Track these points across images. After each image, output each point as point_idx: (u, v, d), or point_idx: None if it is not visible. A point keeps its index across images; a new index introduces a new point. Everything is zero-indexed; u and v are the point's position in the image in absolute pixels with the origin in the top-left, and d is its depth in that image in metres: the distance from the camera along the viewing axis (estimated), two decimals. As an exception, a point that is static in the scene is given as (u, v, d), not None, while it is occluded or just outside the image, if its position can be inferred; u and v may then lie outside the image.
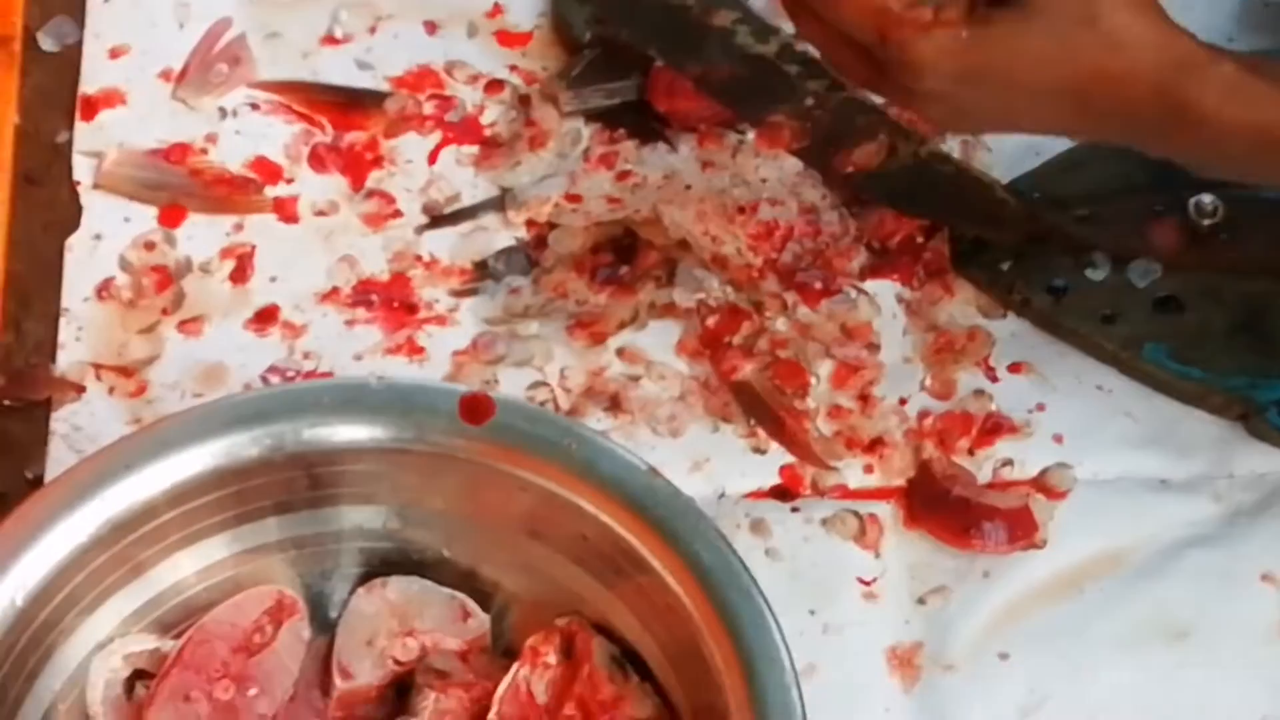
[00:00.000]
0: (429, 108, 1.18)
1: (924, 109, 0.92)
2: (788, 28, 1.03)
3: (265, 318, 1.10)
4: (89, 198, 1.13)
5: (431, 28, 1.21)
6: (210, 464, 0.92)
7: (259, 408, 0.94)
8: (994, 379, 1.10)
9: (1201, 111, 0.88)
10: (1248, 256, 1.11)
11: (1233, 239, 1.11)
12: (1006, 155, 1.16)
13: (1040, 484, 1.06)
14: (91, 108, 1.16)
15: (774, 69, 1.02)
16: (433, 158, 1.16)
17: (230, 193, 1.14)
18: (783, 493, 1.06)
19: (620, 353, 1.10)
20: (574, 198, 1.14)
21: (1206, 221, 1.10)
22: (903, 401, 1.09)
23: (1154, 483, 1.07)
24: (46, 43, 1.18)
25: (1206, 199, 1.10)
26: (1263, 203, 1.12)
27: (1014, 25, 0.88)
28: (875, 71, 0.90)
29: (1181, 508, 1.06)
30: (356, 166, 1.15)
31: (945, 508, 1.05)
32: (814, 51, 1.01)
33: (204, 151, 1.15)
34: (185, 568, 0.95)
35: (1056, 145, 1.15)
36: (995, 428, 1.08)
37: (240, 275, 1.11)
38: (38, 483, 1.03)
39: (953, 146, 1.16)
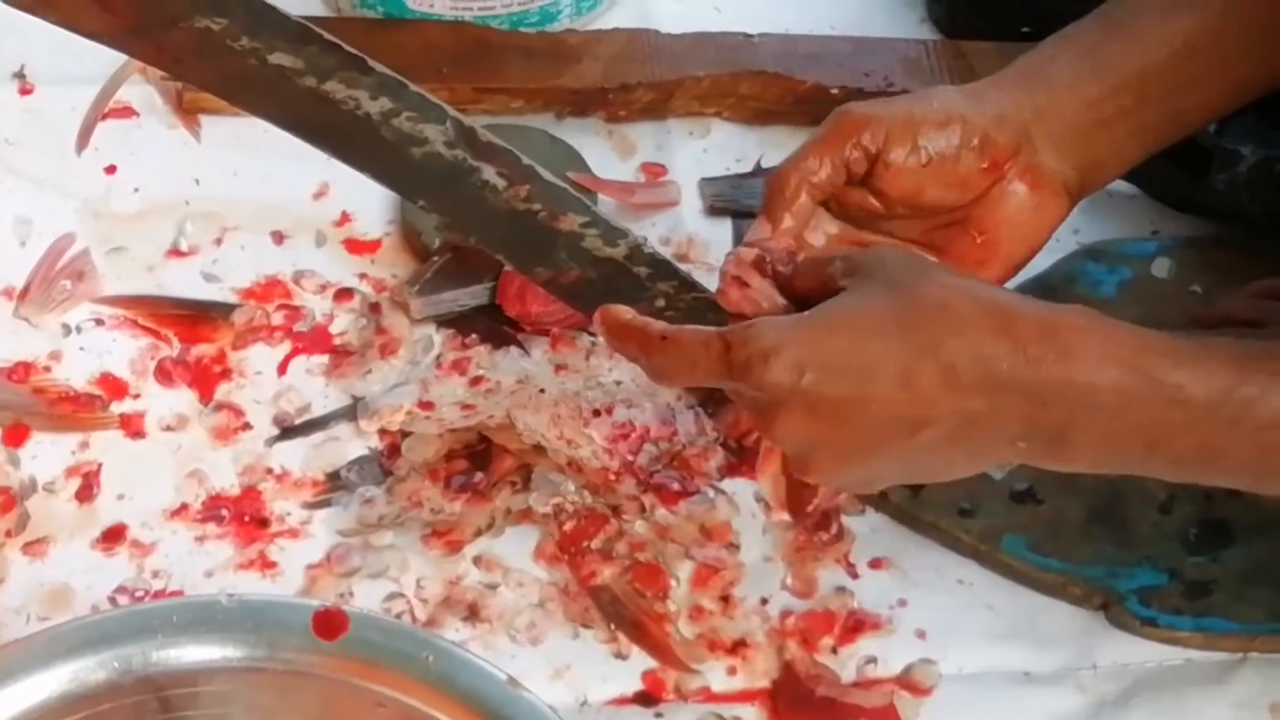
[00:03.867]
0: (278, 318, 1.17)
1: (787, 426, 0.90)
2: (636, 230, 1.03)
3: (112, 537, 1.07)
4: (-71, 420, 1.11)
5: (279, 238, 1.21)
6: (55, 690, 0.90)
7: (105, 630, 0.91)
8: (855, 575, 1.09)
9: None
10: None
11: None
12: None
13: (905, 681, 1.05)
14: (-69, 330, 1.14)
15: (624, 271, 1.02)
16: (282, 368, 1.15)
17: (75, 410, 1.12)
18: (646, 698, 1.04)
19: (477, 561, 1.08)
20: (427, 405, 1.13)
21: (1059, 411, 1.11)
22: (764, 601, 1.08)
23: (1018, 675, 1.06)
24: (-115, 265, 1.16)
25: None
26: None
27: (840, 300, 0.89)
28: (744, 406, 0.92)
29: (1047, 701, 1.05)
30: (204, 380, 1.14)
31: (811, 708, 1.03)
32: (663, 253, 1.02)
33: (47, 369, 1.13)
34: (31, 800, 0.92)
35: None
36: (858, 625, 1.07)
37: (86, 494, 1.09)
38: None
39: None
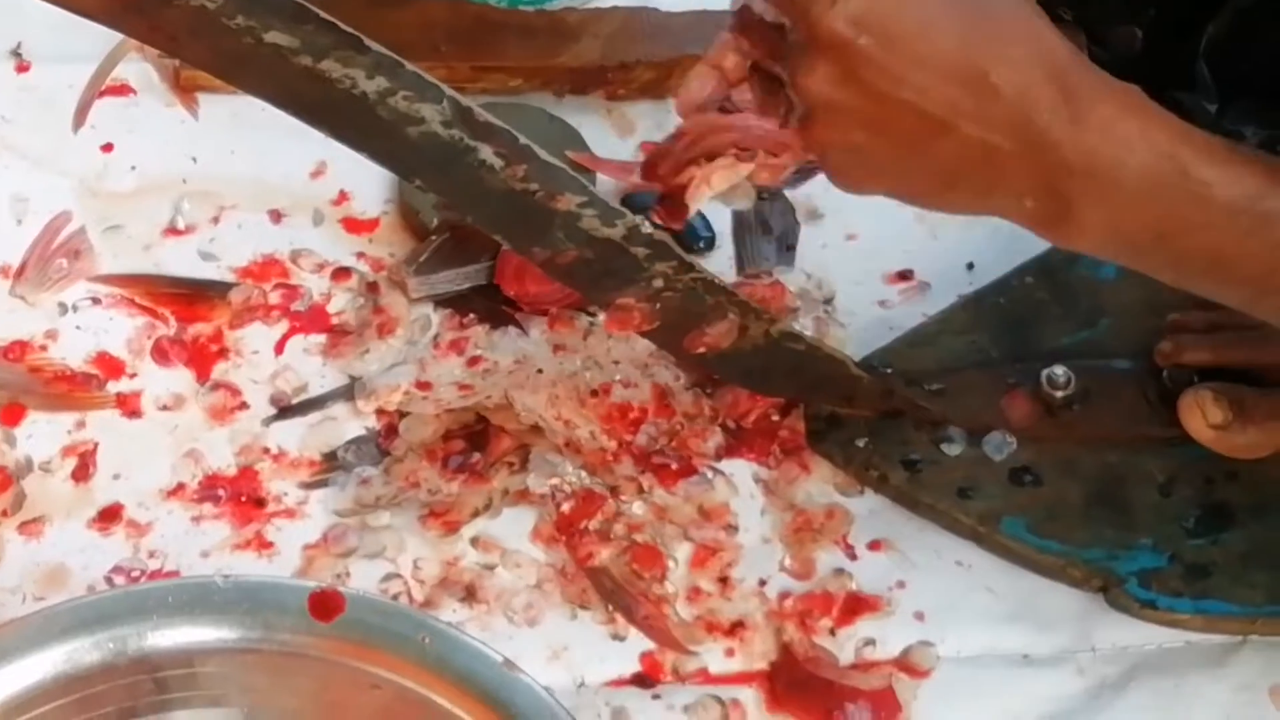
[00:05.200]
0: (275, 297, 1.16)
1: (821, 78, 0.88)
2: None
3: (109, 517, 1.07)
4: (-75, 398, 1.11)
5: (276, 216, 1.20)
6: (51, 671, 0.90)
7: (100, 611, 0.92)
8: (853, 557, 1.09)
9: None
10: (1101, 428, 1.11)
11: (1085, 410, 1.11)
12: (859, 331, 1.17)
13: (903, 663, 1.05)
14: (-74, 308, 1.14)
15: (621, 251, 1.01)
16: (279, 348, 1.15)
17: (71, 389, 1.12)
18: (644, 680, 1.04)
19: (474, 542, 1.08)
20: (424, 385, 1.12)
21: (1059, 393, 1.11)
22: (762, 583, 1.08)
23: (1017, 658, 1.06)
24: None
25: (1058, 371, 1.11)
26: (1114, 373, 1.13)
27: None
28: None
29: (1045, 683, 1.05)
30: (201, 359, 1.14)
31: (808, 691, 1.03)
32: (661, 233, 1.02)
33: (44, 348, 1.13)
34: (25, 781, 0.92)
35: (909, 321, 1.16)
36: (856, 607, 1.07)
37: (82, 474, 1.09)
38: None
39: (805, 325, 1.16)
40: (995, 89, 0.86)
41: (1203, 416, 1.08)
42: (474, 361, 1.14)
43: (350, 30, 0.93)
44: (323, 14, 0.92)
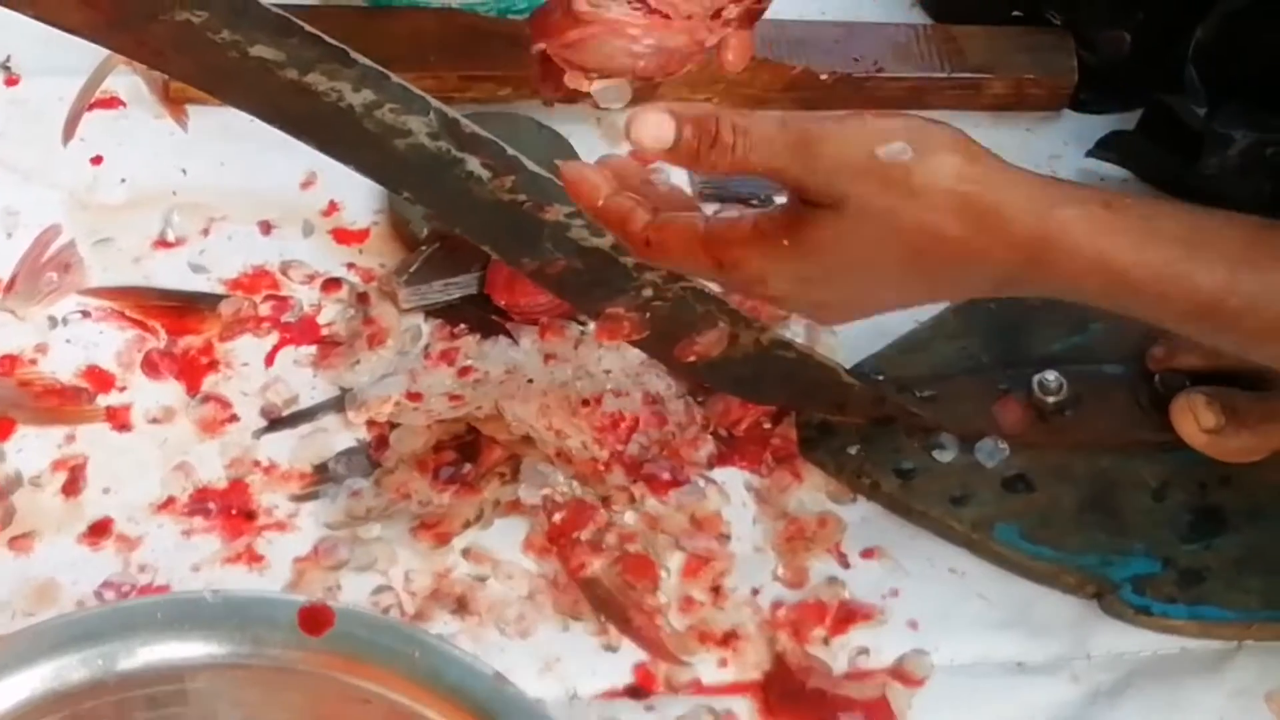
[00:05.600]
0: (265, 309, 1.16)
1: (787, 307, 0.98)
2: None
3: (99, 531, 1.07)
4: (-86, 413, 1.10)
5: (266, 228, 1.20)
6: (39, 688, 0.89)
7: (89, 627, 0.91)
8: (846, 565, 1.09)
9: (1061, 249, 0.88)
10: (1093, 433, 1.11)
11: (1078, 416, 1.11)
12: (850, 338, 1.16)
13: (897, 672, 1.05)
14: (-84, 320, 1.13)
15: (610, 261, 1.01)
16: (270, 359, 1.14)
17: (61, 403, 1.11)
18: (637, 691, 1.04)
19: (466, 553, 1.08)
20: (415, 396, 1.12)
21: (1051, 399, 1.11)
22: (755, 592, 1.07)
23: (1011, 666, 1.06)
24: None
25: (1050, 377, 1.11)
26: (1106, 378, 1.13)
27: (833, 224, 0.88)
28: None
29: (1040, 691, 1.05)
30: (191, 371, 1.13)
31: (802, 701, 1.03)
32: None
33: (33, 362, 1.13)
34: (13, 801, 0.92)
35: (900, 327, 1.15)
36: (849, 615, 1.07)
37: (72, 488, 1.08)
38: None
39: (796, 332, 1.16)
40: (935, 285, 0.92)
41: (1195, 421, 1.08)
42: (465, 372, 1.14)
43: (336, 43, 0.93)
44: (308, 27, 0.92)
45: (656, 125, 0.88)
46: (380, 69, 0.94)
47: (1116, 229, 0.88)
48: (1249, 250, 0.89)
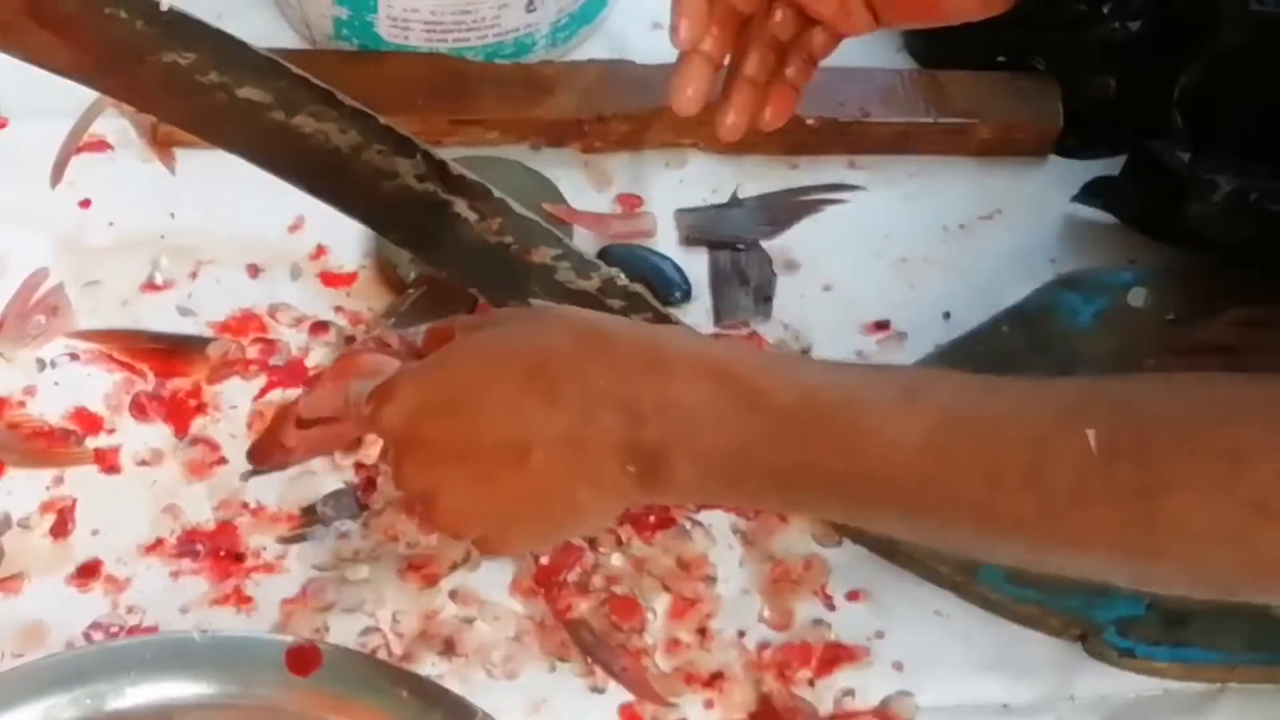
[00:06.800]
0: (253, 352, 1.16)
1: (407, 469, 0.92)
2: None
3: (87, 573, 1.07)
4: (-98, 455, 1.10)
5: (254, 271, 1.20)
6: (27, 729, 0.90)
7: (77, 667, 0.92)
8: (832, 607, 1.09)
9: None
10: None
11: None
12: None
13: (882, 714, 1.05)
14: (-95, 365, 1.14)
15: (597, 304, 1.02)
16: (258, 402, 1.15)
17: (50, 445, 1.11)
18: (623, 732, 1.04)
19: (453, 594, 1.08)
20: (402, 438, 1.12)
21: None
22: (741, 634, 1.08)
23: (996, 707, 1.06)
24: None
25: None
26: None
27: (451, 344, 0.90)
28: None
29: (1025, 733, 1.05)
30: (180, 414, 1.14)
31: (788, 741, 1.03)
32: (636, 285, 1.02)
33: (22, 404, 1.13)
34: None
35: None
36: (835, 657, 1.07)
37: (61, 530, 1.08)
38: None
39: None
40: (550, 385, 0.87)
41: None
42: (452, 414, 1.14)
43: (323, 85, 0.94)
44: (295, 69, 0.93)
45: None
46: (367, 111, 0.95)
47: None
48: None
